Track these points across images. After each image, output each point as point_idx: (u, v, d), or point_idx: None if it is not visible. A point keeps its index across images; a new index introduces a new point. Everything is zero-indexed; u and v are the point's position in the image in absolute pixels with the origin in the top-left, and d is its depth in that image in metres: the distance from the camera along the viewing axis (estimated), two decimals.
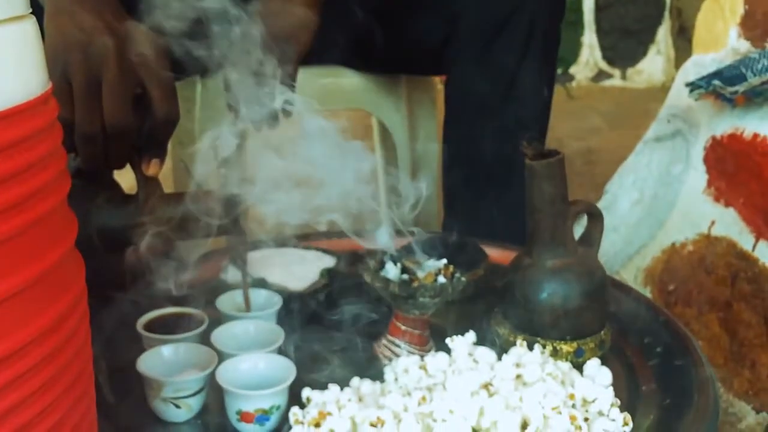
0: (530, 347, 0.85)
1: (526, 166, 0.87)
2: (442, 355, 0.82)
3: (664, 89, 3.15)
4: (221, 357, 0.81)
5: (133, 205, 0.91)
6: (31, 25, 0.51)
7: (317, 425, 0.73)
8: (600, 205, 1.53)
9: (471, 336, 0.85)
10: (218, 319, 0.91)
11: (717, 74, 1.38)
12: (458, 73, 1.26)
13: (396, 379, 0.81)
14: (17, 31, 0.49)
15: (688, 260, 1.41)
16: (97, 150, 0.86)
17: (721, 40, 1.51)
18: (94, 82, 0.85)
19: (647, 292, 1.42)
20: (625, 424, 0.76)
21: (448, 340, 0.85)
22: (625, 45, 3.52)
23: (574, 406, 0.75)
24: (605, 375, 0.81)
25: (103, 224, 0.89)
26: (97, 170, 0.90)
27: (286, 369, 0.79)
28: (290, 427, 0.75)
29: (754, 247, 1.32)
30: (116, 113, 0.85)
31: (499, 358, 0.82)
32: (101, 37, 0.84)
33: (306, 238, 1.10)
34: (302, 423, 0.74)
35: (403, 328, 0.88)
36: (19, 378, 0.49)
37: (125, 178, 0.97)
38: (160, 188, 0.94)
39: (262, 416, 0.76)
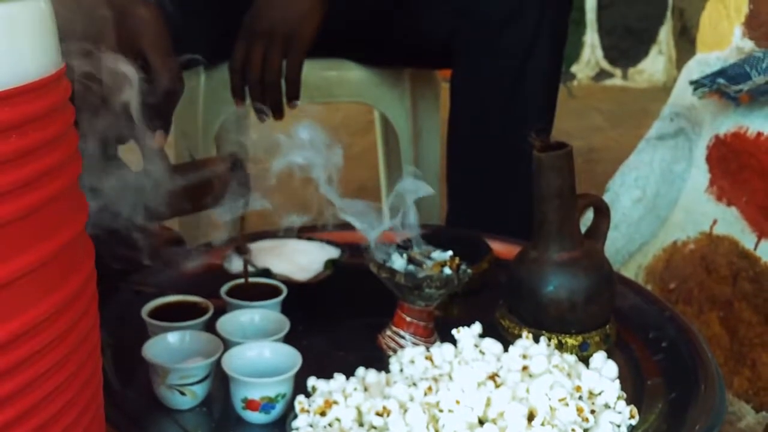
0: (536, 340, 0.85)
1: (534, 158, 0.87)
2: (448, 346, 0.82)
3: (665, 89, 3.15)
4: (226, 345, 0.81)
5: (139, 179, 0.90)
6: (45, 3, 0.51)
7: (323, 414, 0.73)
8: None
9: (477, 327, 0.85)
10: (223, 308, 0.91)
11: (721, 73, 1.38)
12: (465, 66, 1.25)
13: (401, 370, 0.81)
14: (31, 8, 0.49)
15: (689, 259, 1.41)
16: (98, 123, 0.85)
17: (725, 39, 1.51)
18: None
19: None
20: (632, 416, 0.75)
21: (454, 331, 0.85)
22: (626, 44, 3.52)
23: (580, 398, 0.75)
24: (611, 368, 0.81)
25: (111, 201, 0.88)
26: (100, 145, 0.88)
27: (291, 357, 0.79)
28: (295, 416, 0.75)
29: (756, 246, 1.31)
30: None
31: (505, 350, 0.82)
32: (100, 9, 0.83)
33: (311, 230, 1.10)
34: (308, 411, 0.74)
35: (408, 319, 0.88)
36: (28, 359, 0.49)
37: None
38: (166, 160, 0.93)
39: (268, 404, 0.76)
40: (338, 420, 0.73)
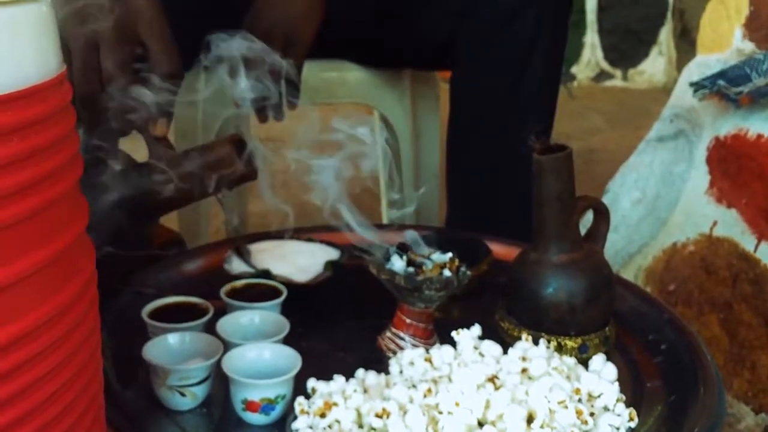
0: (535, 342, 0.85)
1: (534, 160, 0.87)
2: (447, 347, 0.82)
3: (665, 90, 3.16)
4: (227, 346, 0.81)
5: (146, 169, 0.90)
6: (46, 7, 0.51)
7: (323, 415, 0.73)
8: None
9: (476, 329, 0.85)
10: (223, 309, 0.91)
11: (722, 74, 1.39)
12: (465, 67, 1.25)
13: (401, 372, 0.81)
14: (33, 12, 0.49)
15: (689, 260, 1.41)
16: (99, 114, 0.84)
17: (725, 41, 1.52)
18: (92, 41, 0.83)
19: None
20: (631, 419, 0.76)
21: (453, 333, 0.85)
22: (627, 45, 3.52)
23: (580, 400, 0.75)
24: (611, 370, 0.81)
25: (120, 193, 0.88)
26: (102, 137, 0.88)
27: (291, 359, 0.79)
28: (295, 417, 0.75)
29: (756, 248, 1.32)
30: (115, 72, 0.83)
31: (505, 352, 0.82)
32: None
33: (310, 231, 1.10)
34: (308, 413, 0.74)
35: (408, 321, 0.88)
36: (29, 361, 0.49)
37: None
38: (171, 147, 0.93)
39: (268, 406, 0.76)
40: (338, 422, 0.73)
